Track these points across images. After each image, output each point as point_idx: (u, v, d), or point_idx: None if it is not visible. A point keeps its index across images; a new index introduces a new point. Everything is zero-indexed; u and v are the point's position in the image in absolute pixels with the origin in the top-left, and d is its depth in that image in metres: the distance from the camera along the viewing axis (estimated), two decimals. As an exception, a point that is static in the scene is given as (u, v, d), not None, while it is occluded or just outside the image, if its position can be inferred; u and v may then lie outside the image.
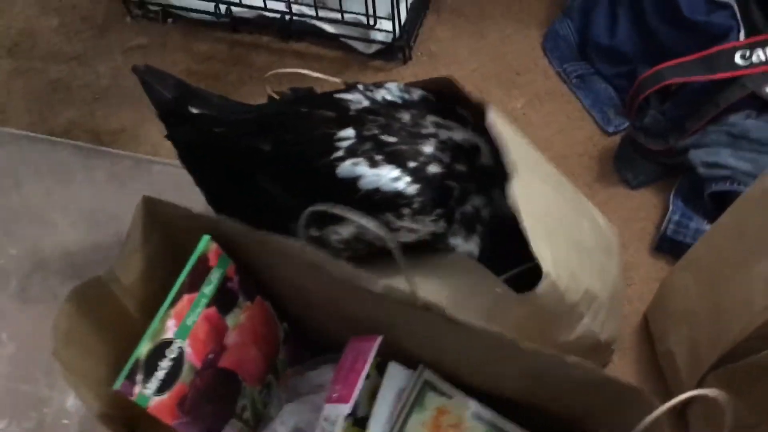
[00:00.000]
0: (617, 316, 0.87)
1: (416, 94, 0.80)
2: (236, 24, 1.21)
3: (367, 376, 0.68)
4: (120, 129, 1.15)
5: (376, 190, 0.75)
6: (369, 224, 0.61)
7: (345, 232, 0.78)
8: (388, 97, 0.79)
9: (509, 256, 0.79)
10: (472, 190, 0.77)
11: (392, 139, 0.77)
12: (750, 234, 0.74)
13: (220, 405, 0.72)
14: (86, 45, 1.23)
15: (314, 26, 1.18)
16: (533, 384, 0.66)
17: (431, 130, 0.78)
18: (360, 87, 0.81)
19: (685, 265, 0.84)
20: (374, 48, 1.17)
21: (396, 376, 0.73)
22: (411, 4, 1.17)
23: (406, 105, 0.79)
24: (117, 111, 1.17)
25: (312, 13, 1.16)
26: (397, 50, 1.17)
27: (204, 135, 0.82)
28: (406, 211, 0.76)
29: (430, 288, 0.72)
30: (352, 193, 0.76)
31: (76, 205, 1.08)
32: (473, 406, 0.73)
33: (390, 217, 0.77)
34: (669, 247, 0.96)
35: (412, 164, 0.75)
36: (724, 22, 0.99)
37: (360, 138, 0.77)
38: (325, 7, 1.16)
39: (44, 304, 1.00)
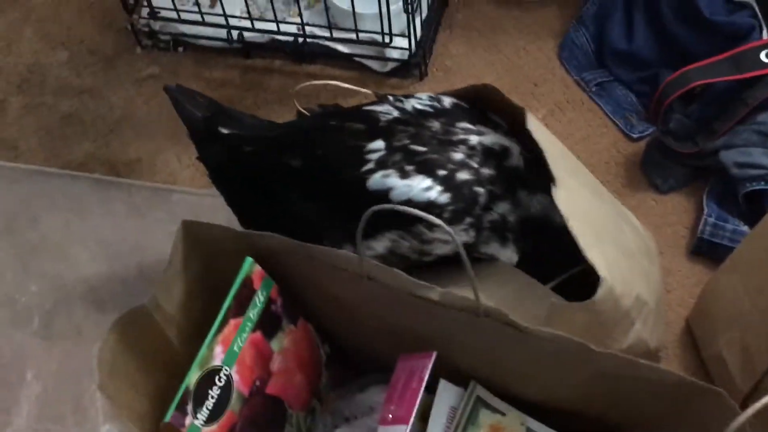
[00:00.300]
0: (662, 323, 0.85)
1: (447, 101, 0.80)
2: (249, 49, 1.20)
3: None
4: (136, 159, 1.13)
5: (408, 201, 0.74)
6: (442, 224, 0.59)
7: (379, 246, 0.77)
8: (419, 107, 0.79)
9: (546, 260, 0.78)
10: (498, 193, 0.76)
11: (422, 149, 0.76)
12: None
13: (268, 434, 0.69)
14: (97, 77, 1.22)
15: (327, 47, 1.17)
16: (597, 391, 0.64)
17: (461, 136, 0.77)
18: (390, 98, 0.80)
19: (731, 267, 0.82)
20: (390, 66, 1.16)
21: (447, 394, 0.71)
22: (423, 21, 1.17)
23: (436, 113, 0.79)
24: (132, 141, 1.15)
25: (325, 34, 1.15)
26: (413, 67, 1.16)
27: (234, 154, 0.80)
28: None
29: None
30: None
31: (95, 238, 1.06)
32: (528, 422, 0.71)
33: (422, 229, 0.75)
34: (707, 249, 0.94)
35: (442, 173, 0.75)
36: (746, 22, 0.98)
37: (390, 149, 0.76)
38: (337, 28, 1.15)
39: (68, 341, 0.98)
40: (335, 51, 1.17)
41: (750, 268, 0.78)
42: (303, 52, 1.18)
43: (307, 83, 0.86)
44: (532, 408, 0.71)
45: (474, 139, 0.77)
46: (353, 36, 1.13)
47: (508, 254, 0.78)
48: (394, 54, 1.15)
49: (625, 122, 1.07)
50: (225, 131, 0.81)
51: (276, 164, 0.79)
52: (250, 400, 0.67)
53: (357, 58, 1.17)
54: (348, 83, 1.17)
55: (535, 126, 0.73)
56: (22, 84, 1.22)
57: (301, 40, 1.16)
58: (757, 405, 0.48)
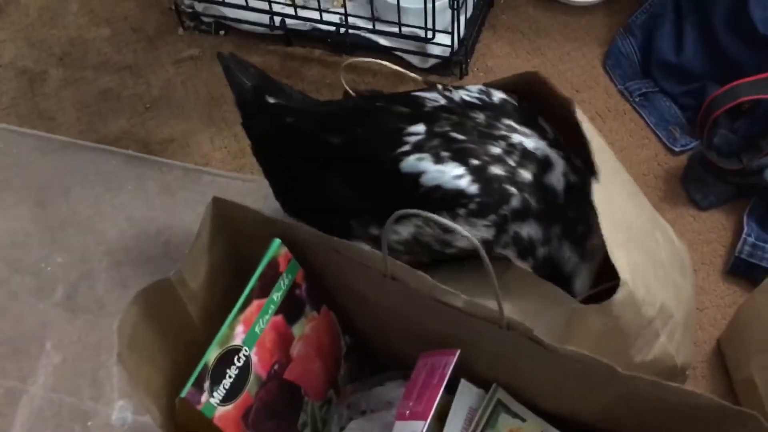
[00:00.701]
0: (691, 341, 0.82)
1: (497, 97, 0.78)
2: (290, 37, 1.19)
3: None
4: (170, 139, 1.13)
5: (438, 187, 0.73)
6: (458, 228, 0.58)
7: (404, 232, 0.76)
8: (467, 98, 0.78)
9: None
10: (533, 209, 0.74)
11: (462, 137, 0.75)
12: None
13: (282, 420, 0.68)
14: (137, 55, 1.22)
15: (368, 40, 1.16)
16: (622, 411, 0.62)
17: (503, 132, 0.76)
18: (439, 87, 0.79)
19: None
20: (430, 62, 1.15)
21: (467, 394, 0.69)
22: (468, 19, 1.15)
23: (483, 106, 0.78)
24: (167, 121, 1.15)
25: (367, 26, 1.14)
26: (453, 65, 1.14)
27: (277, 124, 0.80)
28: (461, 211, 0.74)
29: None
30: (413, 189, 0.74)
31: (124, 214, 1.06)
32: (549, 430, 0.69)
33: (445, 217, 0.74)
34: (744, 270, 0.92)
35: (475, 162, 0.74)
36: (801, 40, 0.96)
37: (430, 134, 0.75)
38: (380, 20, 1.14)
39: (90, 314, 0.98)
40: (376, 44, 1.16)
41: (790, 290, 0.76)
42: (344, 43, 1.17)
43: (357, 59, 0.86)
44: (553, 419, 0.69)
45: (516, 138, 0.75)
46: (396, 29, 1.12)
47: (524, 267, 0.77)
48: (436, 50, 1.13)
49: (668, 135, 1.05)
50: (272, 101, 0.81)
51: (315, 139, 0.79)
52: (267, 384, 0.66)
53: (397, 53, 1.16)
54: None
55: (582, 118, 0.71)
56: (64, 57, 1.23)
57: (343, 30, 1.16)
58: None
